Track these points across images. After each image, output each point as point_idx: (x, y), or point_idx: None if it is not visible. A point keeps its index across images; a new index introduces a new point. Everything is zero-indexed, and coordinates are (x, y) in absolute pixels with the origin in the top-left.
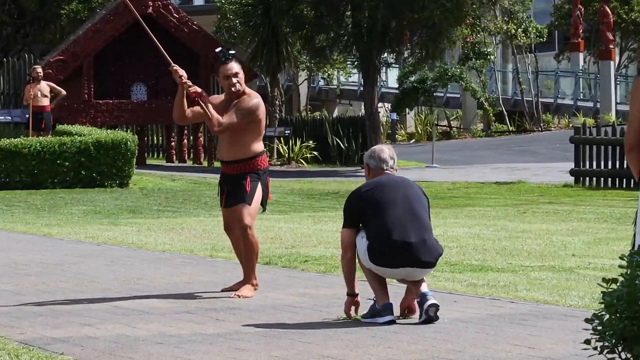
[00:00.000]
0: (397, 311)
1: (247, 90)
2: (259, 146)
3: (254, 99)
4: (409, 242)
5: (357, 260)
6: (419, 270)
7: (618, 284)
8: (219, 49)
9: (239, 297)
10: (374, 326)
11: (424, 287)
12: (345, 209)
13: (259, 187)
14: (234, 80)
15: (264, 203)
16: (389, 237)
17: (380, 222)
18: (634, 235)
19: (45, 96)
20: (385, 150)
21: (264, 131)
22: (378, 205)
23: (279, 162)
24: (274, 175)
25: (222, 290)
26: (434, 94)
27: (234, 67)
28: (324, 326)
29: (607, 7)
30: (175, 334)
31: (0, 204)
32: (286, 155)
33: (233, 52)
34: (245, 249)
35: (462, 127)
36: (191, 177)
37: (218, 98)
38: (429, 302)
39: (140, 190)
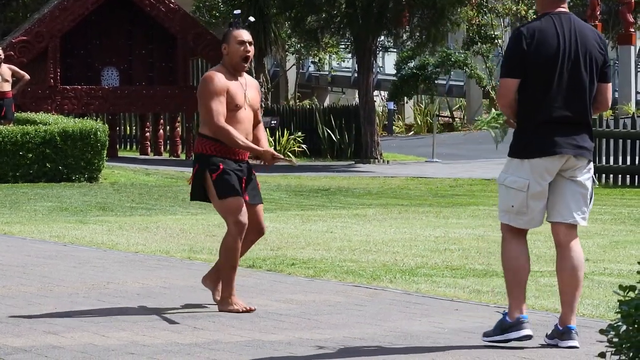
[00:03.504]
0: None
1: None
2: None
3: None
4: None
5: None
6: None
7: (637, 291)
8: (238, 11)
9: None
10: (367, 336)
11: (573, 320)
12: None
13: None
14: (249, 47)
15: None
16: None
17: None
18: None
19: (7, 81)
20: None
21: None
22: None
23: None
24: (259, 169)
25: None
26: (436, 82)
27: (248, 34)
28: (312, 336)
29: None
30: (148, 344)
31: None
32: (272, 147)
33: (252, 19)
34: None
35: (466, 118)
36: (167, 171)
37: (220, 74)
38: (569, 343)
39: (111, 185)
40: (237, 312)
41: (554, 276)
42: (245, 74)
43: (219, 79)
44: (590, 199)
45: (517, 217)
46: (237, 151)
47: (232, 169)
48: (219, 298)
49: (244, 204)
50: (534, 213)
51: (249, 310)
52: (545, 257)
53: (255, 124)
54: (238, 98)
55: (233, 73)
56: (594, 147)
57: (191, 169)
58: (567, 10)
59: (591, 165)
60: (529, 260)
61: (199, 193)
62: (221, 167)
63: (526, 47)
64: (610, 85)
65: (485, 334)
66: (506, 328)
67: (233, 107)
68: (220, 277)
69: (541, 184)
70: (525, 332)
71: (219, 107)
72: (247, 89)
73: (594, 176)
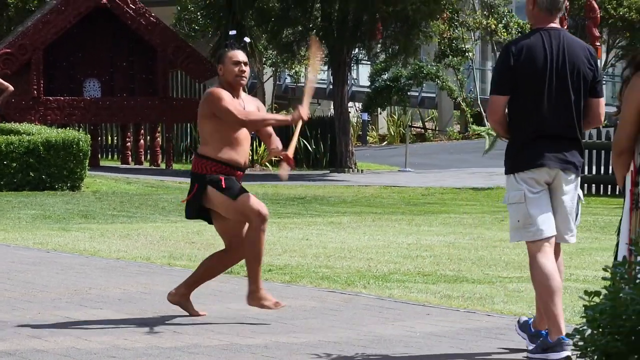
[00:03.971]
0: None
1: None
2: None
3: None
4: None
5: None
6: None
7: (601, 297)
8: (233, 32)
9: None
10: (342, 339)
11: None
12: None
13: None
14: (243, 67)
15: None
16: None
17: None
18: (617, 245)
19: None
20: None
21: None
22: None
23: None
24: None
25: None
26: (408, 93)
27: (244, 55)
28: (289, 339)
29: (594, 2)
30: (129, 348)
31: None
32: (250, 157)
33: (248, 40)
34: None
35: (437, 128)
36: (148, 180)
37: (229, 95)
38: (562, 355)
39: (93, 193)
40: (268, 308)
41: (522, 282)
42: (242, 93)
43: (226, 92)
44: (577, 215)
45: (525, 231)
46: (235, 172)
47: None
48: (191, 311)
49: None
50: (540, 222)
51: (278, 306)
52: (514, 264)
53: (268, 135)
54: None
55: (230, 93)
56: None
57: (170, 177)
58: (558, 26)
59: (578, 181)
60: (557, 274)
61: (195, 211)
62: (222, 178)
63: (514, 64)
64: (602, 100)
65: (530, 351)
66: (546, 348)
67: (233, 126)
68: (248, 272)
69: (535, 191)
70: (565, 354)
71: (236, 106)
72: (246, 107)
73: (580, 192)
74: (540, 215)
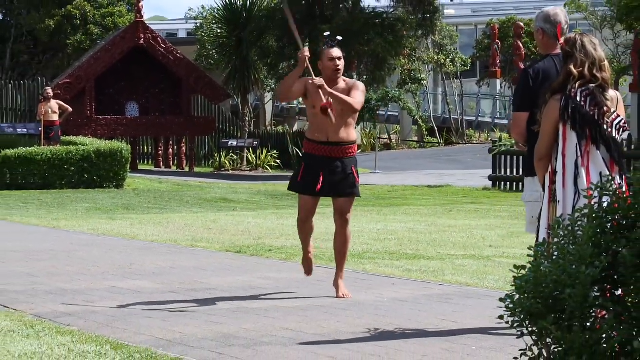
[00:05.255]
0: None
1: (346, 78)
2: (355, 133)
3: (361, 84)
4: None
5: None
6: None
7: (526, 270)
8: (327, 32)
9: (344, 297)
10: (326, 304)
11: None
12: None
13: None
14: (338, 63)
15: None
16: None
17: None
18: (538, 229)
19: (55, 112)
20: (559, 13)
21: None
22: None
23: (248, 168)
24: (245, 179)
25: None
26: (377, 112)
27: (338, 51)
28: (285, 304)
29: (519, 42)
30: (161, 310)
31: (18, 202)
32: (254, 162)
33: (340, 38)
34: (345, 241)
35: (400, 139)
36: (175, 180)
37: (305, 81)
38: None
39: (132, 190)
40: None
41: (466, 259)
42: (343, 82)
43: (305, 80)
44: None
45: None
46: (319, 146)
47: (304, 167)
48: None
49: (306, 199)
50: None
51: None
52: (460, 245)
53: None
54: (316, 101)
55: (329, 84)
56: (498, 161)
57: (193, 178)
58: None
59: None
60: None
61: None
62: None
63: (532, 85)
64: None
65: None
66: None
67: (311, 107)
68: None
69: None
70: None
71: (296, 88)
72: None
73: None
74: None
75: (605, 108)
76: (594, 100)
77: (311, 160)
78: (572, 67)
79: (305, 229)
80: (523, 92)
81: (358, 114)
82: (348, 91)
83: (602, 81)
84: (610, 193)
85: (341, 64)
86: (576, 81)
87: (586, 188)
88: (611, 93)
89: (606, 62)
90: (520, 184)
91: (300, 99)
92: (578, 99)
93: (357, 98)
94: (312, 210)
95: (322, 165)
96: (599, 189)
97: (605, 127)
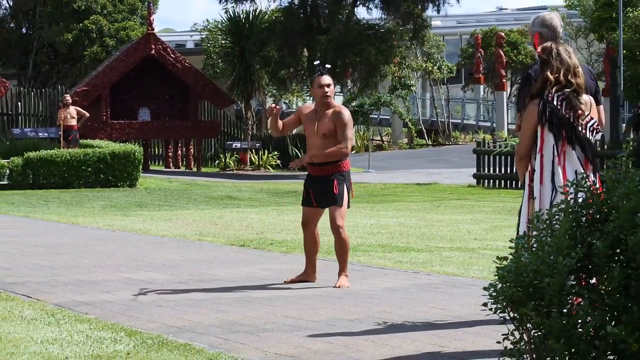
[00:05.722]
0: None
1: (335, 102)
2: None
3: (346, 110)
4: None
5: None
6: None
7: (508, 260)
8: (317, 62)
9: (340, 287)
10: (324, 293)
11: None
12: None
13: (345, 189)
14: (327, 89)
15: (348, 201)
16: None
17: None
18: (518, 224)
19: (73, 118)
20: (554, 18)
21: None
22: None
23: (251, 168)
24: (248, 178)
25: (285, 282)
26: (370, 116)
27: (328, 79)
28: (285, 293)
29: (501, 51)
30: (171, 299)
31: (40, 200)
32: (257, 162)
33: (329, 66)
34: (340, 245)
35: (391, 141)
36: (184, 179)
37: (308, 107)
38: None
39: (145, 189)
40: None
41: (453, 251)
42: (332, 107)
43: (303, 108)
44: None
45: None
46: (311, 168)
47: (305, 184)
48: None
49: (306, 210)
50: None
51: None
52: (447, 238)
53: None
54: (308, 126)
55: (319, 108)
56: (482, 160)
57: (200, 177)
58: None
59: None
60: None
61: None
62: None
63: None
64: (602, 107)
65: None
66: None
67: (306, 133)
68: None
69: None
70: None
71: (288, 121)
72: (320, 120)
73: None
74: None
75: (579, 111)
76: (569, 104)
77: (307, 178)
78: (548, 73)
79: (306, 235)
80: (526, 92)
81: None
82: (333, 121)
83: (577, 86)
84: (585, 189)
85: (330, 90)
86: (553, 86)
87: (562, 185)
88: (585, 97)
89: (580, 69)
90: (502, 181)
91: (299, 103)
92: (555, 103)
93: (343, 141)
94: (309, 217)
95: (311, 183)
96: (574, 186)
97: (580, 128)
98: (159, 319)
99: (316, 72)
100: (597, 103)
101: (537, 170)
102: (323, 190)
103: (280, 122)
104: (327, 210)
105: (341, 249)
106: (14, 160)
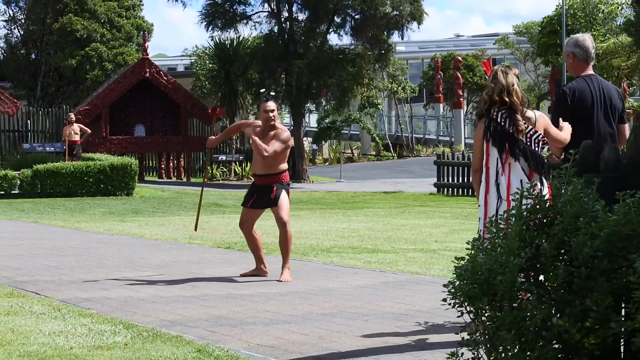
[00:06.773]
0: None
1: (279, 124)
2: (284, 165)
3: (286, 132)
4: None
5: None
6: None
7: (465, 260)
8: (263, 90)
9: (284, 281)
10: (300, 290)
11: None
12: None
13: (284, 192)
14: (271, 114)
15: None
16: None
17: None
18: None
19: (77, 134)
20: (587, 39)
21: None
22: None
23: (235, 179)
24: (232, 187)
25: (241, 275)
26: (342, 131)
27: (272, 105)
28: (266, 291)
29: (458, 73)
30: (164, 296)
31: (47, 207)
32: (240, 173)
33: (274, 94)
34: (284, 240)
35: (360, 154)
36: (175, 188)
37: (257, 125)
38: None
39: (140, 197)
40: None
41: (416, 252)
42: (276, 129)
43: (252, 124)
44: None
45: None
46: (256, 177)
47: (249, 190)
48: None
49: (245, 211)
50: None
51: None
52: (411, 241)
53: (278, 161)
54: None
55: (263, 129)
56: (442, 171)
57: (190, 187)
58: (593, 72)
59: None
60: None
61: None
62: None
63: (570, 102)
64: (626, 125)
65: None
66: None
67: (253, 149)
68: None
69: None
70: None
71: (230, 130)
72: (264, 139)
73: None
74: None
75: (520, 127)
76: (511, 120)
77: (252, 185)
78: (484, 94)
79: (245, 235)
80: (563, 110)
81: (289, 151)
82: (273, 138)
83: (511, 104)
84: (533, 197)
85: (274, 114)
86: (496, 105)
87: (506, 194)
88: (529, 113)
89: (516, 87)
90: (460, 190)
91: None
92: (498, 119)
93: (271, 147)
94: (247, 217)
95: (255, 189)
96: (518, 194)
97: (523, 140)
98: (154, 314)
99: (262, 99)
100: (622, 122)
101: (483, 181)
102: (263, 196)
103: (223, 136)
104: (269, 211)
105: (285, 243)
106: (24, 172)
